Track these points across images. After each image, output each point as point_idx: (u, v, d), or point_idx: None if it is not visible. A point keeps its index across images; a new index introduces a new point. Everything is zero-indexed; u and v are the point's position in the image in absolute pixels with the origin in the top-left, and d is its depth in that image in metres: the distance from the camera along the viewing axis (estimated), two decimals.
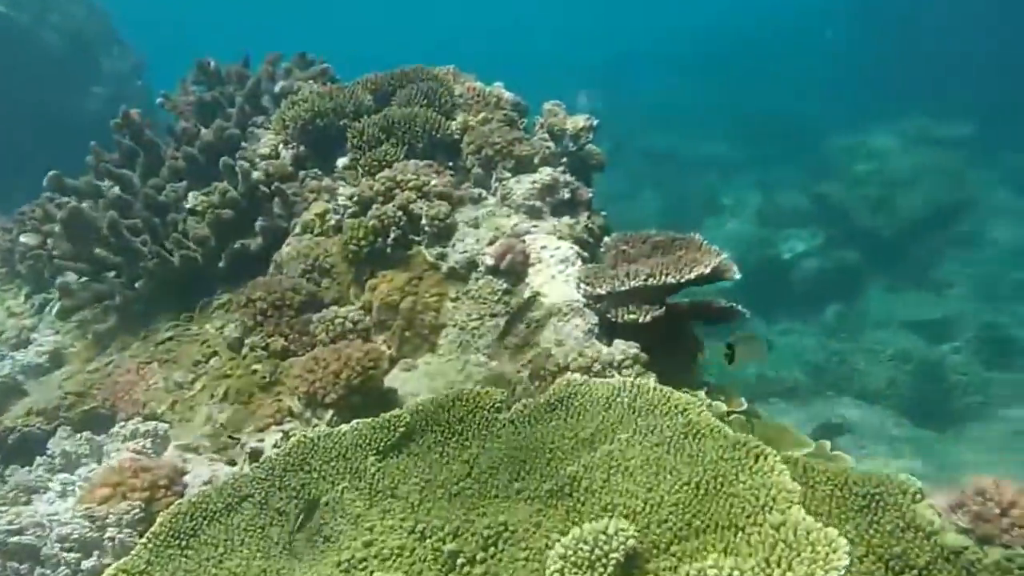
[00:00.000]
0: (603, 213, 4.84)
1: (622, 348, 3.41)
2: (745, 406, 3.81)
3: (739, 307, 4.33)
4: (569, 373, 3.32)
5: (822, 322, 12.96)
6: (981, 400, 10.25)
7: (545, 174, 4.42)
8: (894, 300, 12.78)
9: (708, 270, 3.60)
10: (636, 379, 3.11)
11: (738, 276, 4.03)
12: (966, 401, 10.27)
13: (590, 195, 4.66)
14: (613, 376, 3.32)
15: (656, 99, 23.51)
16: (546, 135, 5.04)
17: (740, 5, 33.41)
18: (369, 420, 3.19)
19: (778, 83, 22.83)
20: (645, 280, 3.53)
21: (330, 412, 3.40)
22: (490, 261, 3.99)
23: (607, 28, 37.04)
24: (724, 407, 3.67)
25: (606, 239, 4.24)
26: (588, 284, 3.66)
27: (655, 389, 2.97)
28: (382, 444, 3.11)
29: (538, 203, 4.37)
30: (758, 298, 14.24)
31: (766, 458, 2.41)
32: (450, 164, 4.79)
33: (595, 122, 5.10)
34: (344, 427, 3.21)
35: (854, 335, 12.26)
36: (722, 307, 4.34)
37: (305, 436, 3.18)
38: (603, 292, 3.58)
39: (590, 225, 4.50)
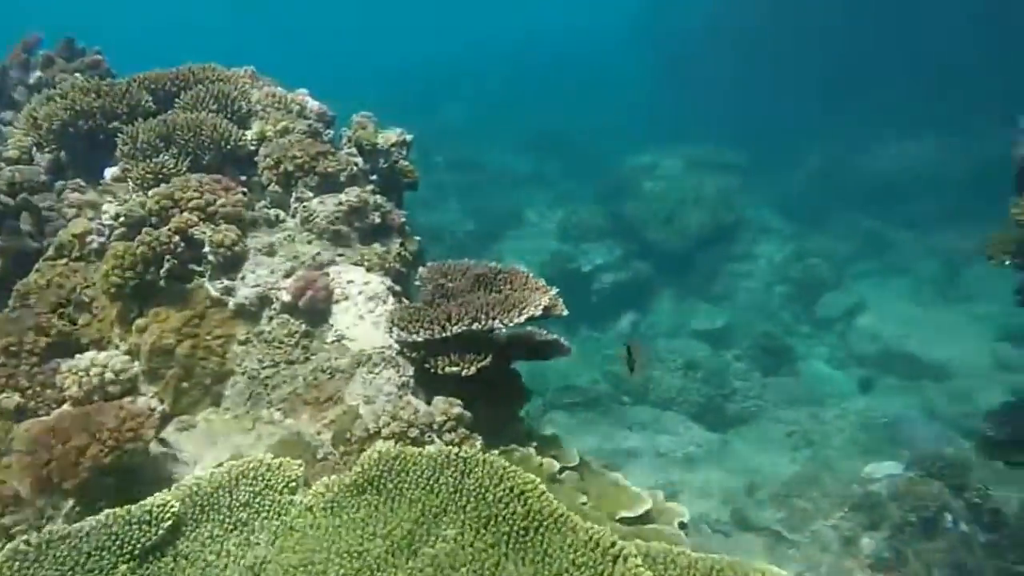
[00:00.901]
0: (417, 238, 4.22)
1: (443, 407, 2.81)
2: (577, 460, 3.34)
3: (563, 340, 3.87)
4: (380, 441, 2.67)
5: (619, 331, 13.11)
6: (759, 404, 10.70)
7: (352, 195, 3.72)
8: (682, 310, 13.19)
9: (540, 312, 3.08)
10: (461, 448, 2.51)
11: (565, 312, 3.56)
12: (746, 405, 10.68)
13: (403, 218, 4.02)
14: (433, 442, 2.70)
15: (464, 111, 23.23)
16: (354, 150, 4.34)
17: (546, 25, 34.01)
18: (123, 510, 2.36)
19: (581, 104, 23.28)
20: (470, 325, 2.95)
21: (71, 500, 2.52)
22: (287, 297, 3.24)
23: (414, 38, 36.36)
24: (556, 464, 3.18)
25: (421, 270, 3.62)
26: (403, 328, 3.02)
27: (485, 463, 2.39)
28: (139, 545, 2.30)
29: (344, 228, 3.66)
30: None
31: (626, 560, 1.91)
32: (243, 179, 3.95)
33: (409, 137, 4.47)
34: (88, 522, 2.36)
35: (648, 344, 12.49)
36: (546, 340, 3.86)
37: (29, 540, 2.29)
38: (420, 339, 2.95)
39: (403, 253, 3.86)
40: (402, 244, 3.88)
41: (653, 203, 14.72)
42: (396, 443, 2.71)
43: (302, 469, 2.59)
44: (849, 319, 13.09)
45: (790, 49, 18.82)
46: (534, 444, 3.25)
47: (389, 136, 4.36)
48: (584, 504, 3.23)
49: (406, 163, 4.71)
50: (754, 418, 10.64)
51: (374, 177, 4.36)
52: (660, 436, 9.78)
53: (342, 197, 3.71)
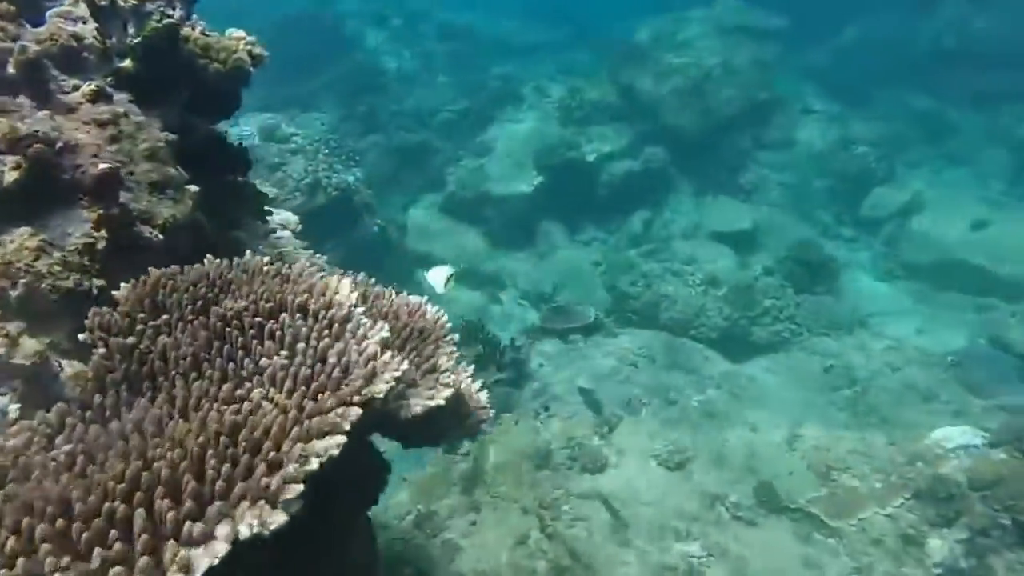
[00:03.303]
0: (194, 189, 2.01)
1: None
2: None
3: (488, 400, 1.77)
4: None
5: (628, 232, 10.84)
6: (791, 328, 8.57)
7: None
8: (703, 207, 10.80)
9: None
10: None
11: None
12: (776, 329, 8.57)
13: (108, 165, 1.79)
14: None
15: None
16: (82, 8, 2.11)
17: None
18: None
19: None
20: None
21: None
22: None
23: None
24: None
25: (116, 295, 1.45)
26: None
27: None
28: None
29: None
30: (561, 205, 12.02)
31: None
32: None
33: None
34: None
35: (662, 249, 10.25)
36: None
37: None
38: None
39: (101, 243, 1.68)
40: (100, 220, 1.68)
41: (673, 77, 12.01)
42: None
43: None
44: (901, 221, 10.70)
45: None
46: None
47: None
48: None
49: (225, 37, 2.49)
50: (785, 347, 8.56)
51: (124, 64, 2.14)
52: (671, 374, 7.79)
53: None
